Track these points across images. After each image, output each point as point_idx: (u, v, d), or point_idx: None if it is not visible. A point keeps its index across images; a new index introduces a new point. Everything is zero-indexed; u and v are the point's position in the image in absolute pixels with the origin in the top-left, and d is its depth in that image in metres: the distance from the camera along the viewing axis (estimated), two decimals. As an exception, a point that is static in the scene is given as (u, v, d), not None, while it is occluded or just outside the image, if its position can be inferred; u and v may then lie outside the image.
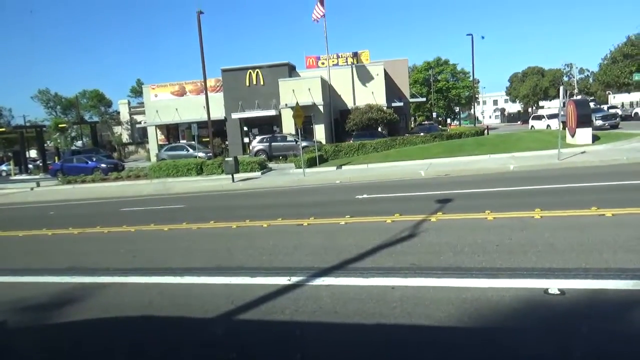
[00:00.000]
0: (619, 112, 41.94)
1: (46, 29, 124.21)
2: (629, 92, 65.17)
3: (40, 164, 40.79)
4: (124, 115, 63.85)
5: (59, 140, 64.92)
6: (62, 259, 8.32)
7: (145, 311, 5.16)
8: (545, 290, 4.53)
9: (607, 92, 70.29)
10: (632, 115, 44.78)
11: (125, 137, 61.67)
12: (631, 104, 59.22)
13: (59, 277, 6.88)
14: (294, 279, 5.59)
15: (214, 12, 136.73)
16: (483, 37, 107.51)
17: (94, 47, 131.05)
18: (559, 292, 4.46)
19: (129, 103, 66.41)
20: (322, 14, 34.11)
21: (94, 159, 32.02)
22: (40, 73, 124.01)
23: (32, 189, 25.50)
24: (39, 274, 7.23)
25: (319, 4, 34.03)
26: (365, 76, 37.44)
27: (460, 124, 75.12)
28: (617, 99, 65.77)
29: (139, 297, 5.75)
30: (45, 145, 51.83)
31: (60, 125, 60.60)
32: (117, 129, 64.92)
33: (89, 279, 6.61)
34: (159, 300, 5.51)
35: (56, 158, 41.05)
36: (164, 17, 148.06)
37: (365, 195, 12.54)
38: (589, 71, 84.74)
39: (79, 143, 61.94)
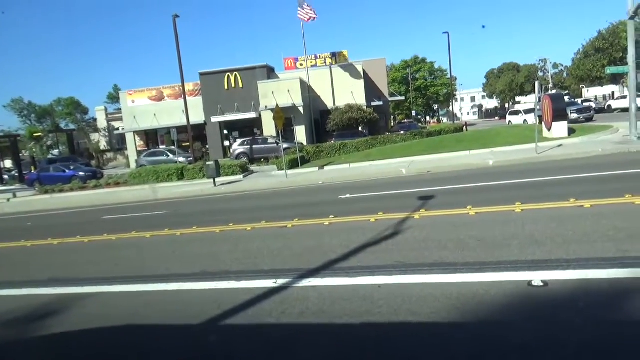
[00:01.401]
0: (593, 105, 42.88)
1: (18, 36, 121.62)
2: (602, 86, 66.72)
3: (16, 174, 39.86)
4: (101, 122, 62.93)
5: (34, 150, 63.52)
6: (42, 271, 8.15)
7: (130, 320, 5.09)
8: (529, 283, 4.60)
9: (581, 86, 71.81)
10: (606, 107, 45.79)
11: (103, 144, 60.73)
12: (604, 97, 60.65)
13: (39, 289, 6.74)
14: (280, 282, 5.57)
15: (190, 17, 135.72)
16: (484, 27, 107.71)
17: (69, 54, 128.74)
18: (542, 284, 4.53)
19: (106, 110, 65.47)
20: (312, 16, 34.07)
21: (72, 167, 31.41)
22: (13, 81, 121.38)
23: (8, 200, 24.89)
24: (19, 286, 7.07)
25: (304, 6, 33.91)
26: (344, 76, 37.55)
27: (439, 121, 75.85)
28: (591, 93, 67.29)
29: (123, 306, 5.66)
30: (21, 154, 50.67)
31: (35, 134, 59.34)
32: (95, 136, 63.83)
33: (71, 290, 6.48)
34: (143, 308, 5.44)
35: (32, 168, 40.16)
36: (140, 22, 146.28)
37: (348, 195, 12.57)
38: (562, 66, 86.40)
39: (56, 152, 60.76)
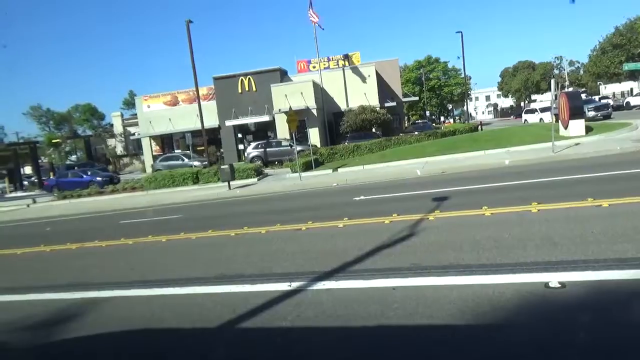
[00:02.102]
0: (611, 102, 42.22)
1: (36, 44, 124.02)
2: (620, 82, 65.63)
3: (36, 180, 40.63)
4: (118, 128, 63.81)
5: (53, 156, 64.76)
6: (61, 275, 8.29)
7: (146, 324, 5.14)
8: (546, 284, 4.53)
9: (598, 83, 70.76)
10: (624, 104, 45.02)
11: (119, 150, 61.59)
12: (622, 94, 59.65)
13: (58, 294, 6.84)
14: (295, 284, 5.58)
15: (203, 22, 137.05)
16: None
17: (85, 61, 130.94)
18: (559, 285, 4.47)
19: (122, 115, 66.38)
20: (317, 19, 34.32)
21: (89, 173, 31.94)
22: (32, 89, 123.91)
23: (28, 205, 25.39)
24: (38, 291, 7.19)
25: (311, 9, 34.16)
26: (357, 78, 37.50)
27: (454, 121, 75.25)
28: (609, 89, 66.25)
29: (140, 309, 5.72)
30: (40, 161, 51.62)
31: (53, 141, 60.52)
32: (111, 142, 64.79)
33: (89, 294, 6.57)
34: (160, 312, 5.49)
35: (51, 173, 40.88)
36: (154, 28, 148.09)
37: (362, 197, 12.54)
38: (579, 63, 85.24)
39: (73, 157, 61.86)
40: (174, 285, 6.44)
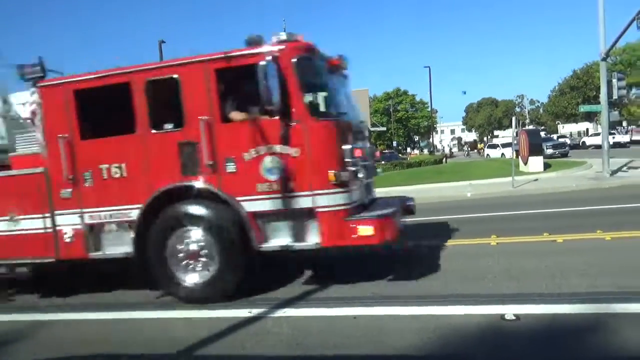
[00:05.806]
0: (568, 141, 44.20)
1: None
2: (577, 122, 68.89)
3: None
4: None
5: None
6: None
7: (98, 349, 4.94)
8: (502, 316, 4.63)
9: (556, 122, 74.02)
10: (580, 144, 47.22)
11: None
12: (579, 134, 62.55)
13: (9, 315, 6.48)
14: (255, 311, 5.49)
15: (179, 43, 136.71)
16: (464, 93, 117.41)
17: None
18: (514, 318, 4.57)
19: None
20: None
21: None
22: None
23: None
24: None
25: None
26: (326, 106, 37.85)
27: (420, 153, 76.80)
28: (566, 129, 69.40)
29: (92, 334, 5.50)
30: None
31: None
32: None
33: (35, 316, 6.24)
34: (113, 336, 5.29)
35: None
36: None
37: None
38: (539, 102, 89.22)
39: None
40: (131, 309, 6.19)
